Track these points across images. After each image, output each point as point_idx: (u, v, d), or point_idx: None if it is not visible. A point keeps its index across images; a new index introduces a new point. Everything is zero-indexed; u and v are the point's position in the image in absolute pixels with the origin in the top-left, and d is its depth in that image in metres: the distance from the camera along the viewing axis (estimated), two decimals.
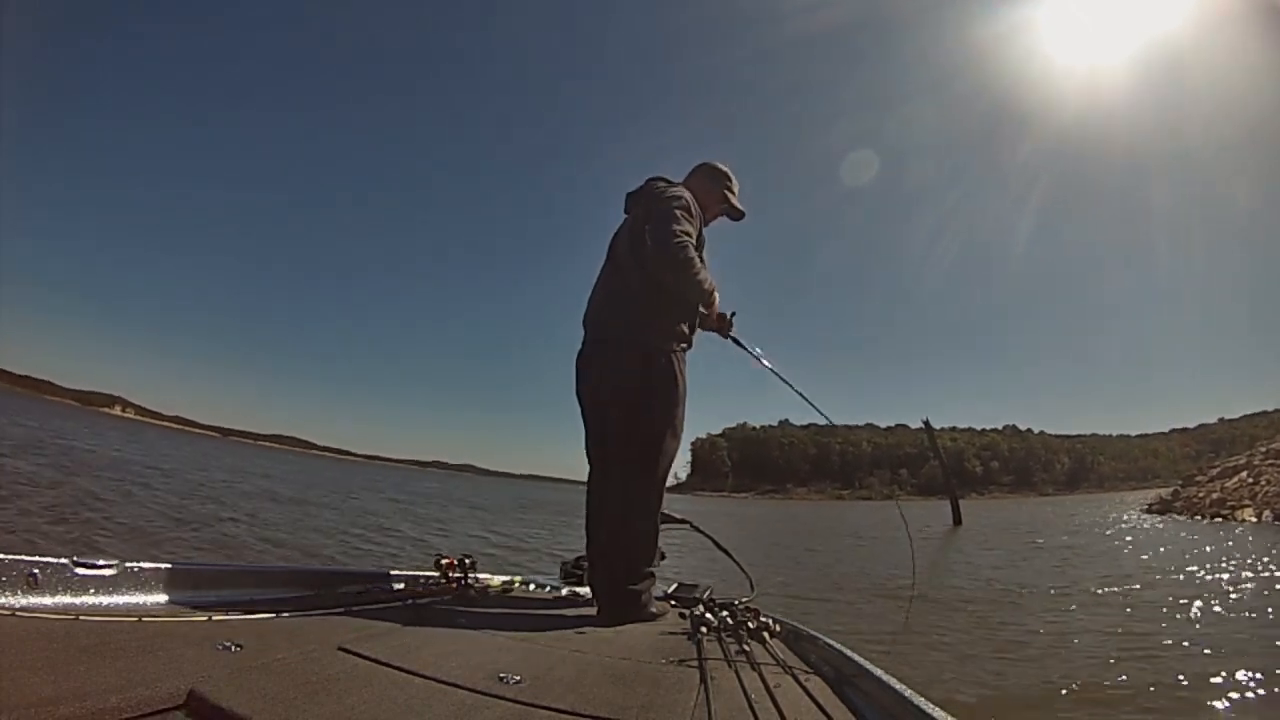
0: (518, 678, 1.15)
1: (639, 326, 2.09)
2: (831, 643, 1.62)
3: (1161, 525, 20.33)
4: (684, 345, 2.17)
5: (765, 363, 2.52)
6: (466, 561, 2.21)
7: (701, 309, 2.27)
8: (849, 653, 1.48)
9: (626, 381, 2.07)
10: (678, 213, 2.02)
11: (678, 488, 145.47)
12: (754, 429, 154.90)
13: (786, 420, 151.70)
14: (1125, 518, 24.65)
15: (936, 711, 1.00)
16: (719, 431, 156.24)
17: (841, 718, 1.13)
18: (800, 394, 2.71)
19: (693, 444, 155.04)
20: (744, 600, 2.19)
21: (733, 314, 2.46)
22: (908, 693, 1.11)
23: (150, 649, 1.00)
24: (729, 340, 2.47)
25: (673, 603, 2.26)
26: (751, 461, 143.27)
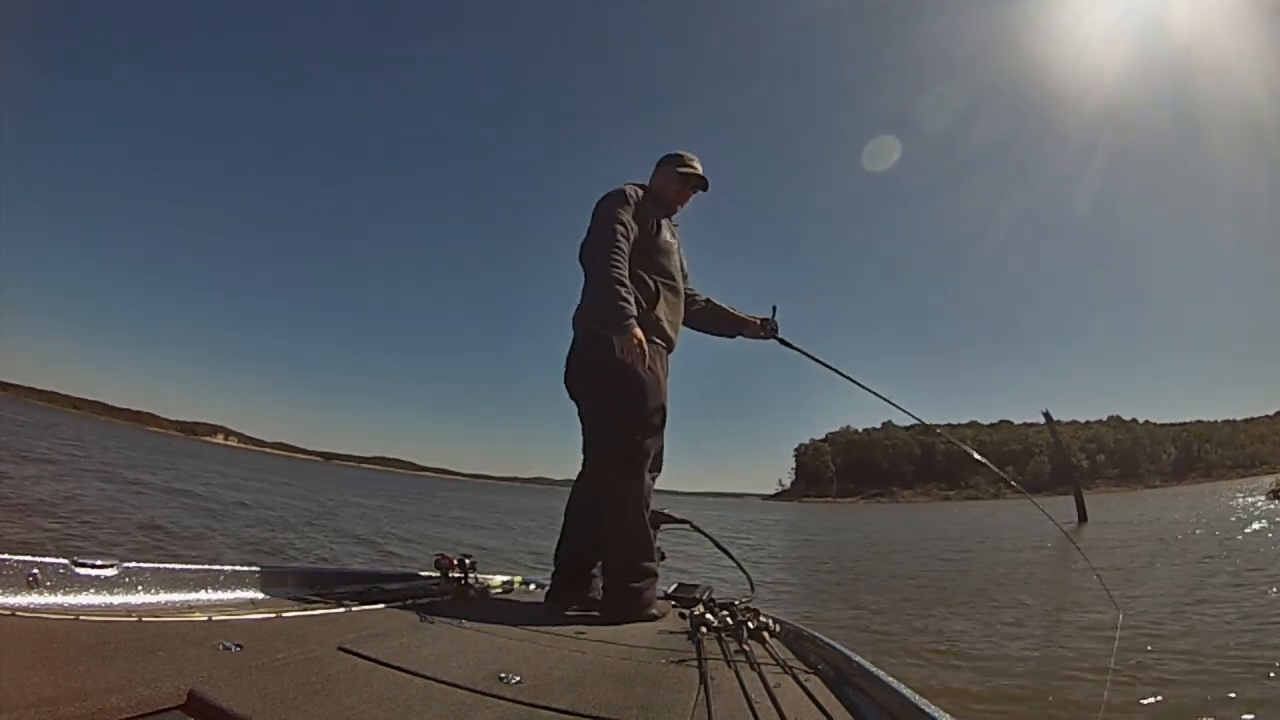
0: (518, 678, 1.15)
1: (593, 321, 2.06)
2: (831, 643, 1.62)
3: None
4: (654, 339, 2.07)
5: (823, 361, 2.46)
6: (466, 561, 2.21)
7: (741, 325, 2.31)
8: (849, 653, 1.48)
9: (588, 378, 2.08)
10: (604, 212, 2.03)
11: (783, 494, 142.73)
12: (857, 432, 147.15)
13: (890, 421, 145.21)
14: (1259, 505, 23.11)
15: (937, 712, 1.00)
16: (822, 437, 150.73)
17: (841, 718, 1.13)
18: (872, 392, 2.57)
19: (796, 450, 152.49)
20: (744, 600, 2.19)
21: (774, 310, 2.39)
22: (907, 692, 1.11)
23: (150, 649, 1.00)
24: (774, 342, 2.42)
25: (673, 603, 2.26)
26: (856, 465, 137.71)
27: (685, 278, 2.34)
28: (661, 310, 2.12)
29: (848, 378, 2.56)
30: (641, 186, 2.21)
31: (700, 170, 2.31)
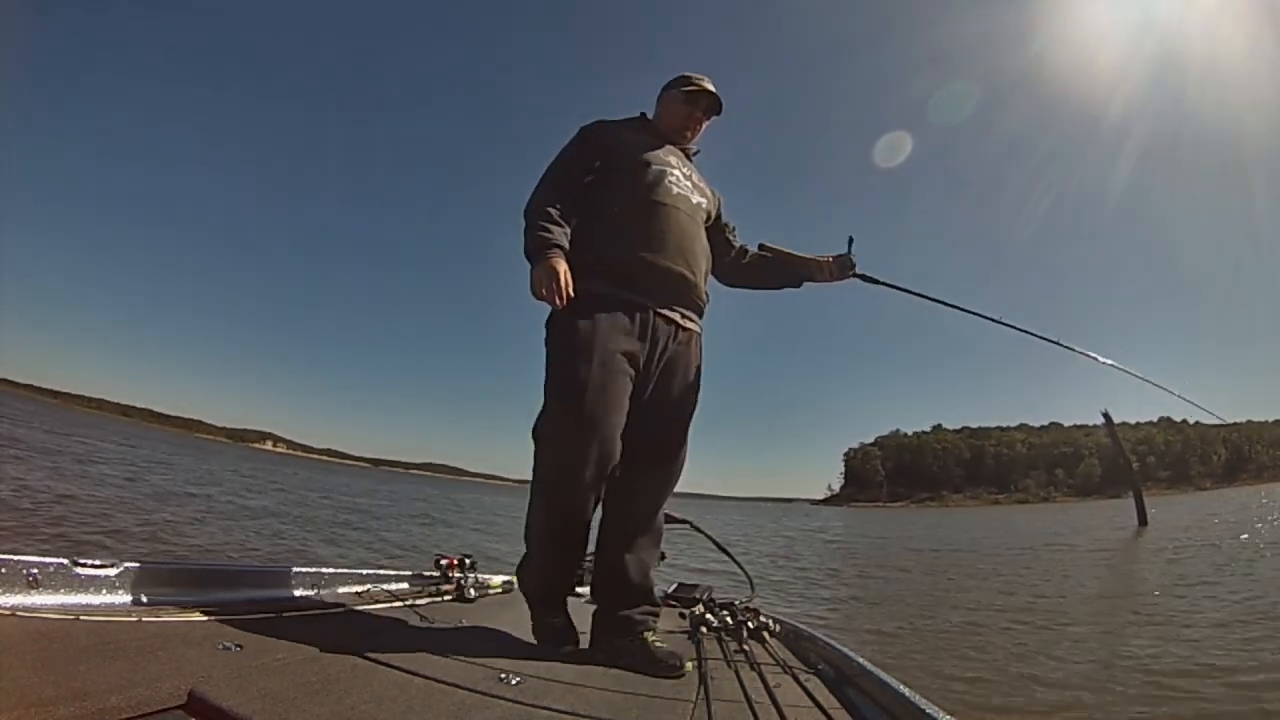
0: (518, 678, 1.15)
1: None
2: (831, 642, 1.62)
3: None
4: (586, 286, 1.61)
5: (917, 292, 2.07)
6: (467, 561, 2.22)
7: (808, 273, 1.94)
8: (849, 653, 1.48)
9: None
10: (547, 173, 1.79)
11: (831, 499, 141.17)
12: (906, 436, 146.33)
13: (940, 425, 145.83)
14: None
15: (937, 711, 1.00)
16: (872, 440, 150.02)
17: (841, 718, 1.14)
18: (976, 314, 2.09)
19: (845, 454, 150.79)
20: (744, 600, 2.19)
21: (850, 243, 1.96)
22: (907, 692, 1.11)
23: (150, 649, 1.00)
24: (854, 279, 1.98)
25: (673, 603, 2.27)
26: (905, 469, 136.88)
27: (715, 220, 1.90)
28: (623, 241, 1.65)
29: (951, 305, 2.13)
30: (640, 117, 1.90)
31: (709, 87, 1.86)
